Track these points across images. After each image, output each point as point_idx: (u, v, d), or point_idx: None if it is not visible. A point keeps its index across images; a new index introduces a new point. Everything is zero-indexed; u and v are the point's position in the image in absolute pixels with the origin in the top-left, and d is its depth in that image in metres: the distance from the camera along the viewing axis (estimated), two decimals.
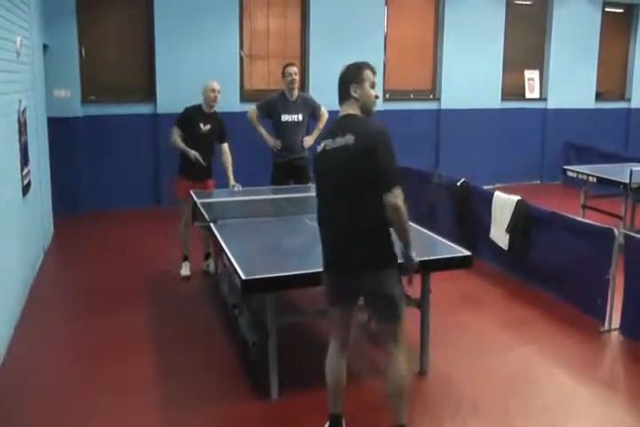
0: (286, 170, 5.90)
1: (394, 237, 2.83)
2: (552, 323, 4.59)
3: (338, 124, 2.91)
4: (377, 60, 8.43)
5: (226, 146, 5.58)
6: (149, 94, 8.07)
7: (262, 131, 5.91)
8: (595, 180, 6.63)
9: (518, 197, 5.37)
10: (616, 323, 4.39)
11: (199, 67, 7.79)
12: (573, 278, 4.74)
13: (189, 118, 5.38)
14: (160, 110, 7.94)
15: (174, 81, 7.80)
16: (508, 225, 5.37)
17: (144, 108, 8.05)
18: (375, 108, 2.94)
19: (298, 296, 4.47)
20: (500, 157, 9.79)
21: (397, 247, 2.86)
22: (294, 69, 5.79)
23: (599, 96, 10.68)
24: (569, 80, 10.19)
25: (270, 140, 5.87)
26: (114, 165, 7.93)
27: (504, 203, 5.48)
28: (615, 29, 10.76)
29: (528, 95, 10.22)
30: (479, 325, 4.58)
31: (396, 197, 2.69)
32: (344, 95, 2.89)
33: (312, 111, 5.96)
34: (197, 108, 5.40)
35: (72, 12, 7.57)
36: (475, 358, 4.04)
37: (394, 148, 2.75)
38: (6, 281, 4.27)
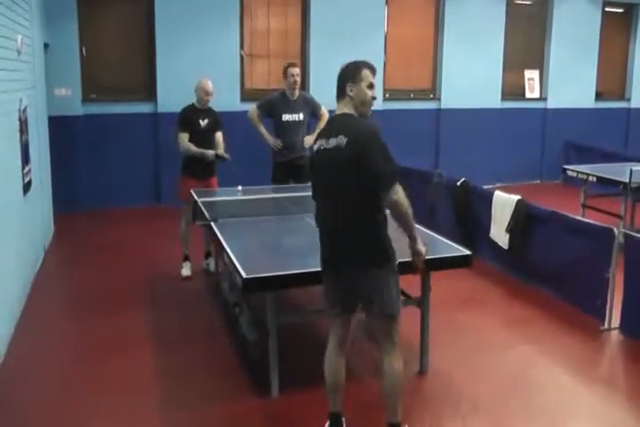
0: (287, 169, 5.90)
1: (399, 233, 2.84)
2: (552, 322, 4.59)
3: (331, 124, 2.93)
4: (377, 60, 8.42)
5: (219, 134, 5.52)
6: (150, 93, 8.08)
7: (263, 130, 5.92)
8: (594, 179, 6.64)
9: (518, 197, 5.37)
10: (616, 322, 4.39)
11: (200, 66, 7.77)
12: (573, 278, 4.74)
13: (189, 118, 5.42)
14: (160, 109, 7.95)
15: (175, 80, 7.80)
16: (508, 225, 5.38)
17: (144, 107, 8.06)
18: (370, 109, 2.91)
19: (298, 295, 4.48)
20: (500, 156, 9.79)
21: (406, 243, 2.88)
22: (296, 70, 5.79)
23: (599, 96, 10.68)
24: (569, 80, 10.20)
25: (271, 140, 5.87)
26: (114, 163, 7.93)
27: (504, 202, 5.48)
28: (615, 29, 10.76)
29: (528, 95, 10.23)
30: (479, 324, 4.58)
31: (396, 193, 2.71)
32: (340, 93, 2.89)
33: (312, 111, 5.97)
34: (192, 107, 5.48)
35: (73, 10, 7.57)
36: (475, 356, 4.04)
37: (386, 146, 2.75)
38: (6, 280, 4.27)
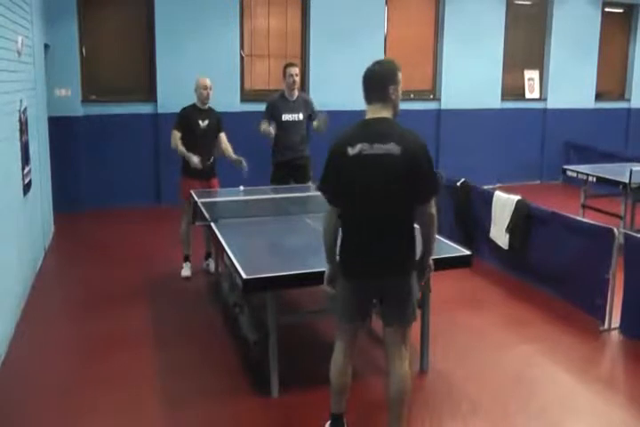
0: (286, 169, 5.90)
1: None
2: (552, 322, 4.60)
3: (368, 128, 2.74)
4: None
5: (223, 135, 5.55)
6: (150, 94, 8.08)
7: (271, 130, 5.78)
8: (594, 179, 6.64)
9: (518, 197, 5.38)
10: (616, 322, 4.40)
11: (200, 66, 7.76)
12: (573, 278, 4.75)
13: (187, 118, 5.39)
14: (160, 110, 7.95)
15: (175, 80, 7.80)
16: (508, 225, 5.38)
17: (144, 108, 8.07)
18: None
19: (298, 295, 4.48)
20: (500, 157, 9.80)
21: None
22: (295, 70, 5.79)
23: (599, 96, 10.68)
24: (569, 80, 10.20)
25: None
26: (114, 164, 7.94)
27: (504, 203, 5.49)
28: (615, 29, 10.76)
29: (528, 95, 10.23)
30: (479, 324, 4.58)
31: (432, 206, 2.76)
32: (379, 96, 2.73)
33: (310, 113, 5.95)
34: (193, 107, 5.44)
35: (73, 11, 7.58)
36: (475, 356, 4.05)
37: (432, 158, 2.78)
38: (7, 280, 4.28)
